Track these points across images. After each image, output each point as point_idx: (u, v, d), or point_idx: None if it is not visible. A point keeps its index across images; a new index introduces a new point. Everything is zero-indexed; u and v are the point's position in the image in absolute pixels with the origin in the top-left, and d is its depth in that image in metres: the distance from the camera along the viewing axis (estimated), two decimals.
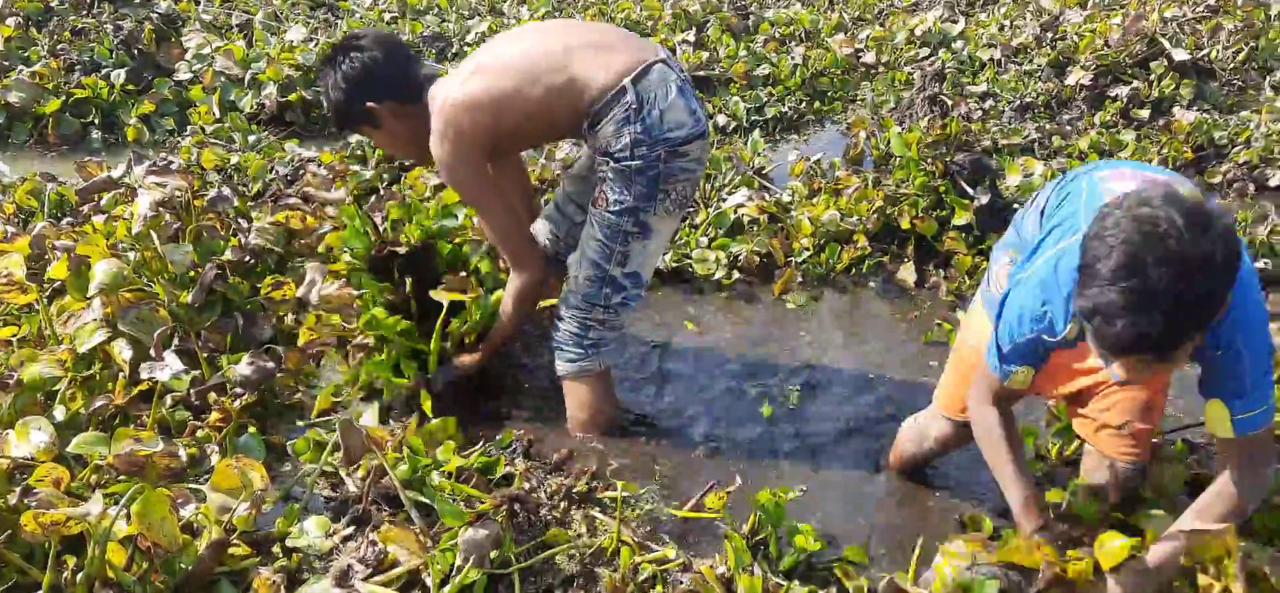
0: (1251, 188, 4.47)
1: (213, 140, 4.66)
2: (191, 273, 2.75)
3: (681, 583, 2.08)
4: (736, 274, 3.69)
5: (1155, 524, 1.99)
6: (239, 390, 2.48)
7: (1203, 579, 1.79)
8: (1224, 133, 4.87)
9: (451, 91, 2.35)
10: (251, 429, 2.45)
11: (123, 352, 2.50)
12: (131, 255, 2.75)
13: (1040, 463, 2.68)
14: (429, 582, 1.91)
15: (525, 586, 2.03)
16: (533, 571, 2.07)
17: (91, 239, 2.79)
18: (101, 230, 2.93)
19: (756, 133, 4.79)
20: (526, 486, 2.35)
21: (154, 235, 2.76)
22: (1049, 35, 6.25)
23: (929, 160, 3.91)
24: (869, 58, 6.15)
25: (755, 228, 3.88)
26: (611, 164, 2.33)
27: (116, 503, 1.82)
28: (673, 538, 2.28)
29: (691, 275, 3.68)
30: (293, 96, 5.09)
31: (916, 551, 2.22)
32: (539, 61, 2.33)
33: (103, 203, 3.40)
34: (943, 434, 2.41)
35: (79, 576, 1.74)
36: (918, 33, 6.37)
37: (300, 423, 2.57)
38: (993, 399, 2.03)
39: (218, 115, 5.01)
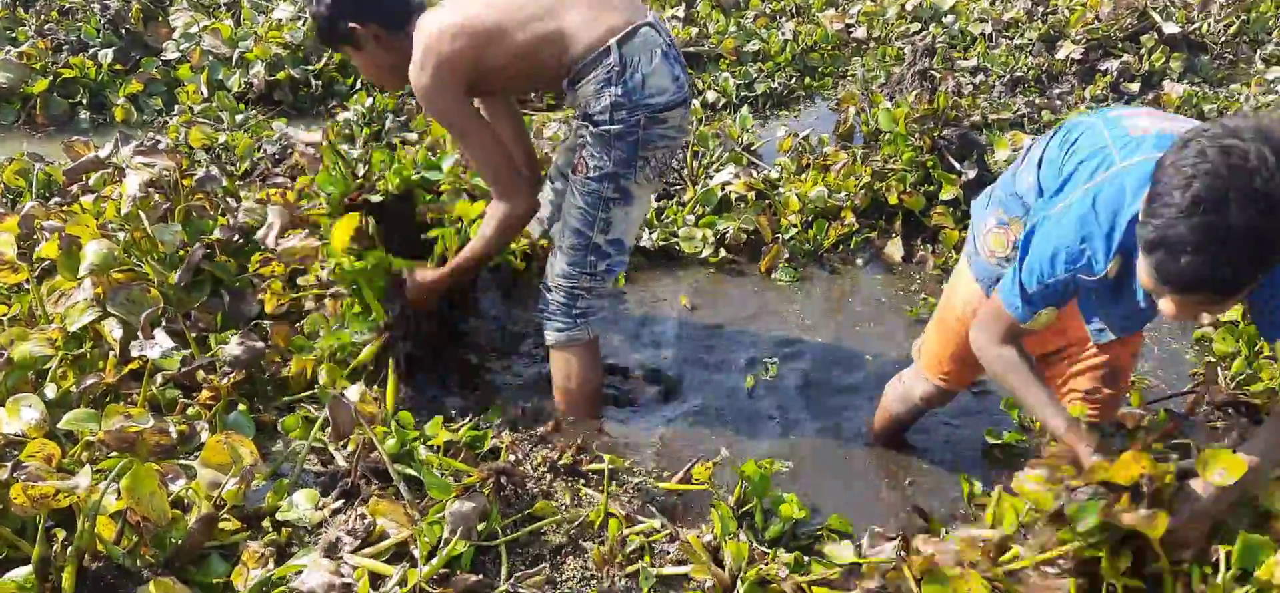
0: None
1: (201, 119, 4.65)
2: (181, 252, 2.76)
3: (669, 553, 2.11)
4: (723, 252, 3.70)
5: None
6: (228, 369, 2.49)
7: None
8: (1214, 106, 4.89)
9: (436, 20, 2.33)
10: (241, 407, 2.47)
11: (113, 331, 2.51)
12: (121, 235, 2.76)
13: (1023, 435, 2.73)
14: (417, 554, 1.94)
15: (512, 557, 2.06)
16: (520, 543, 2.10)
17: (81, 220, 2.79)
18: (90, 210, 2.94)
19: (745, 109, 4.80)
20: (513, 459, 2.37)
21: (143, 216, 2.77)
22: (1040, 9, 6.26)
23: (917, 135, 3.92)
24: (860, 33, 6.15)
25: (743, 205, 3.90)
26: (590, 128, 2.33)
27: (106, 478, 1.85)
28: (661, 510, 2.31)
29: (678, 253, 3.69)
30: (280, 75, 5.08)
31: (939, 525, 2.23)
32: (529, 4, 2.32)
33: (90, 183, 3.40)
34: (928, 394, 2.43)
35: (68, 549, 1.77)
36: (909, 7, 6.37)
37: (286, 400, 2.58)
38: (1005, 338, 1.92)
39: (205, 95, 4.99)
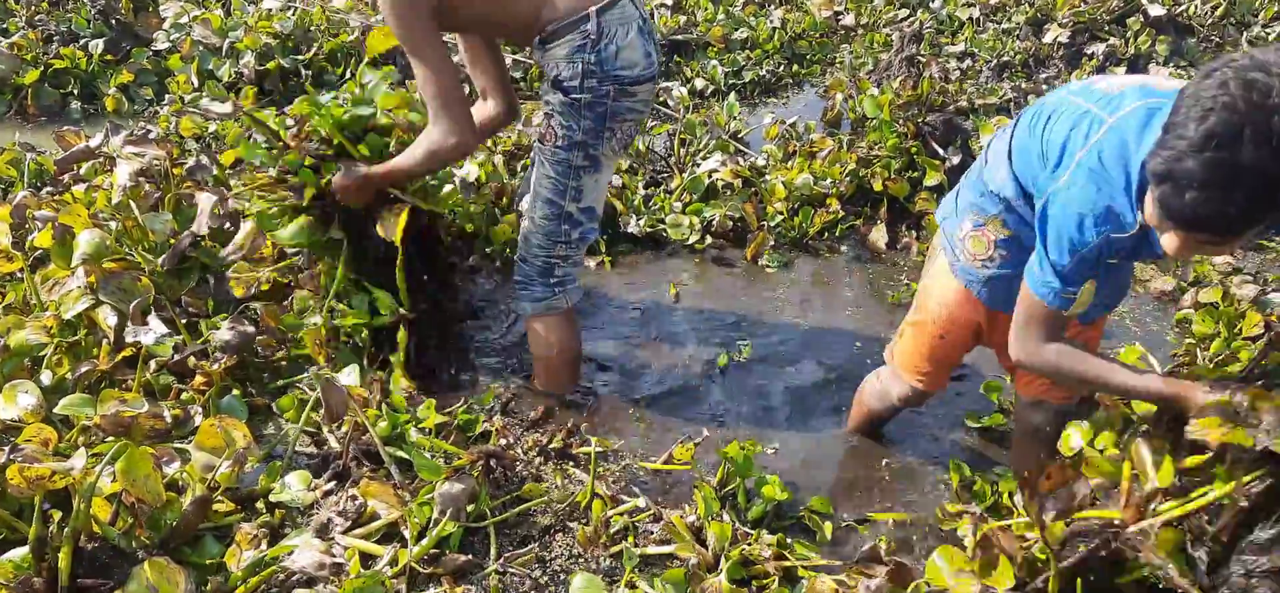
0: None
1: (191, 109, 4.66)
2: (171, 240, 2.79)
3: (652, 533, 2.16)
4: (710, 239, 3.74)
5: None
6: (220, 354, 2.53)
7: None
8: None
9: None
10: (235, 391, 2.50)
11: (107, 318, 2.54)
12: (113, 224, 2.79)
13: (1002, 418, 2.78)
14: (407, 534, 1.98)
15: (501, 538, 2.10)
16: (508, 524, 2.14)
17: (73, 209, 2.82)
18: (82, 200, 2.97)
19: (732, 97, 4.83)
20: (504, 442, 2.42)
21: (133, 205, 2.80)
22: None
23: (901, 121, 3.96)
24: (848, 20, 6.18)
25: (729, 192, 3.93)
26: (560, 97, 2.34)
27: (102, 461, 1.88)
28: (648, 492, 2.36)
29: (665, 240, 3.73)
30: (271, 65, 5.09)
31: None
32: None
33: (82, 172, 3.43)
34: (904, 394, 2.42)
35: (65, 530, 1.80)
36: None
37: (280, 383, 2.62)
38: (1049, 337, 1.81)
39: (196, 84, 5.01)
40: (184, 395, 2.46)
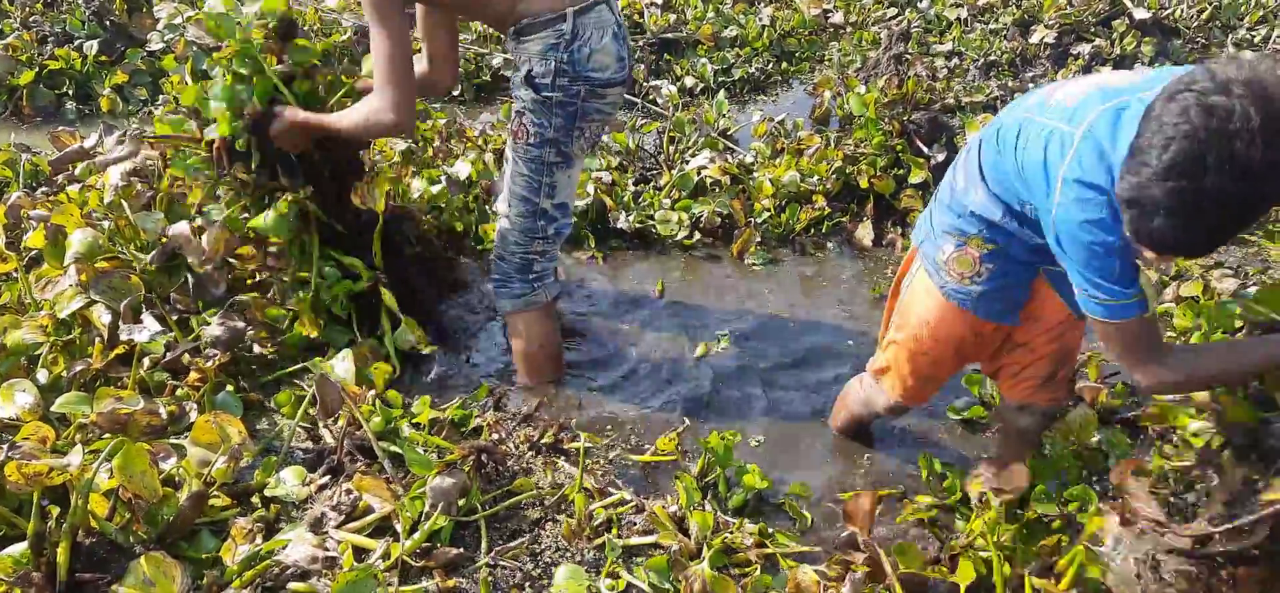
0: None
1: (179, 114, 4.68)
2: (163, 239, 2.82)
3: (635, 524, 2.21)
4: (698, 235, 3.78)
5: None
6: (212, 351, 2.56)
7: None
8: None
9: None
10: (229, 387, 2.54)
11: (102, 317, 2.57)
12: (105, 224, 2.82)
13: (984, 410, 2.83)
14: (399, 528, 2.02)
15: (491, 532, 2.14)
16: (499, 517, 2.19)
17: (66, 209, 2.85)
18: (75, 200, 3.00)
19: (722, 94, 4.87)
20: (495, 438, 2.46)
21: (125, 205, 2.83)
22: None
23: (887, 119, 4.01)
24: (837, 18, 6.22)
25: (718, 189, 3.98)
26: (531, 93, 2.37)
27: (98, 457, 1.92)
28: (636, 484, 2.40)
29: (654, 236, 3.77)
30: None
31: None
32: None
33: (76, 172, 3.45)
34: (890, 405, 2.40)
35: (63, 525, 1.84)
36: None
37: (273, 376, 2.66)
38: (1155, 348, 1.71)
39: (190, 84, 5.03)
40: (179, 392, 2.49)
